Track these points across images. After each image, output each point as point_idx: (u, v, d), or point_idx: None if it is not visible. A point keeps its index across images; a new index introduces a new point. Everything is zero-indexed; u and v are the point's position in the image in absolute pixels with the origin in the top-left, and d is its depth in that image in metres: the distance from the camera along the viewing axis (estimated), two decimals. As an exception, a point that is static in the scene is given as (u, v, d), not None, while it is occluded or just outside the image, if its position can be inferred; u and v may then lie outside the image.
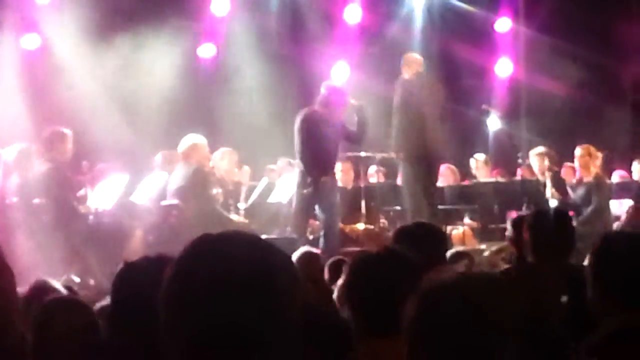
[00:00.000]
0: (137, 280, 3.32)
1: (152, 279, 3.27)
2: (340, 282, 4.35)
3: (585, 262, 3.76)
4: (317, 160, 10.73)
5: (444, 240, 5.20)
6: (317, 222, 11.54)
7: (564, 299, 4.11)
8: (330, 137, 10.78)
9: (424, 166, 11.23)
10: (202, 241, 2.02)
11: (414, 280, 3.34)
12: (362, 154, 11.99)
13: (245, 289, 1.92)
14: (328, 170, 10.94)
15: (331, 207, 10.95)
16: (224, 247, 1.99)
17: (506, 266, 8.52)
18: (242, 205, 11.89)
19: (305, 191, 10.70)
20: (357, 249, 10.90)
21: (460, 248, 8.43)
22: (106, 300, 4.60)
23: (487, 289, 2.55)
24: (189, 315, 1.93)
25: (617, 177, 13.29)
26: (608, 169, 13.15)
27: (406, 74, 11.51)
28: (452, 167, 13.33)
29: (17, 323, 3.17)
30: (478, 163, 13.22)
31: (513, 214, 11.82)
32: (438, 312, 2.48)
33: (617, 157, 13.64)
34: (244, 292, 1.92)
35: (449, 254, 6.98)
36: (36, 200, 10.45)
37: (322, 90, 10.95)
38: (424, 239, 4.80)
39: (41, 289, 4.68)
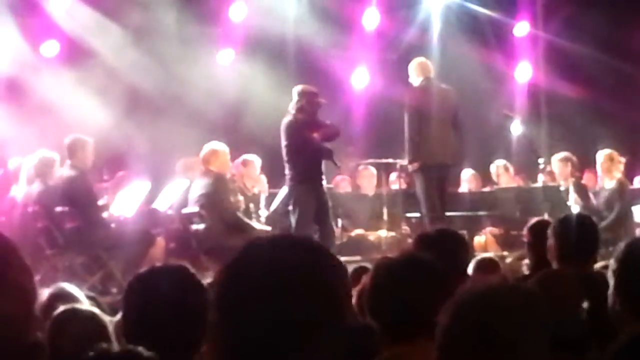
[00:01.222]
0: (147, 292, 3.33)
1: (161, 289, 3.29)
2: (359, 287, 4.34)
3: (608, 269, 3.74)
4: (309, 166, 10.70)
5: (465, 247, 5.18)
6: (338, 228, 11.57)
7: (586, 304, 4.09)
8: (315, 141, 10.73)
9: (435, 173, 11.16)
10: (254, 244, 2.06)
11: (436, 286, 3.35)
12: (384, 160, 11.97)
13: (299, 288, 1.96)
14: (320, 174, 10.91)
15: (328, 212, 10.96)
16: (276, 249, 2.02)
17: (527, 272, 8.52)
18: (263, 213, 11.90)
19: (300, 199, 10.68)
20: (379, 256, 10.93)
21: (487, 254, 8.38)
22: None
23: (521, 299, 2.57)
24: (244, 317, 1.95)
25: (639, 182, 13.20)
26: (630, 175, 13.09)
27: (415, 80, 11.45)
28: (475, 172, 13.30)
29: (35, 323, 3.19)
30: (499, 169, 13.17)
31: (534, 220, 11.78)
32: (472, 321, 2.50)
33: (639, 163, 13.57)
34: (298, 292, 1.95)
35: (474, 260, 6.97)
36: (58, 208, 10.49)
37: (294, 97, 10.87)
38: (445, 246, 4.79)
39: (59, 297, 4.68)
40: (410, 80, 11.46)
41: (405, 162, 11.47)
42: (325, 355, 1.97)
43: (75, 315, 4.04)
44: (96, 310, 4.23)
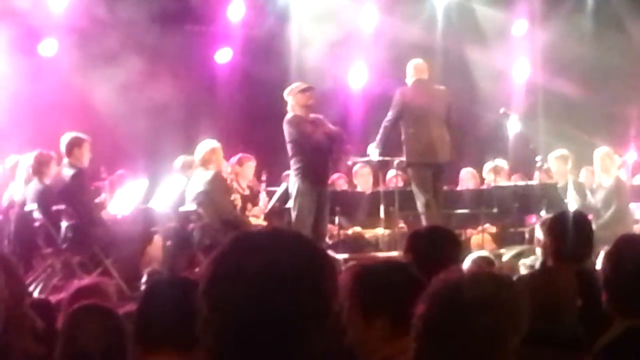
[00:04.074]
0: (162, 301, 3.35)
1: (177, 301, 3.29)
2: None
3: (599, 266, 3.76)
4: (311, 162, 10.76)
5: (458, 244, 5.17)
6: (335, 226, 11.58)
7: (579, 302, 4.09)
8: (318, 137, 10.79)
9: (429, 171, 11.24)
10: (242, 237, 2.06)
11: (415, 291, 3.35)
12: (381, 158, 11.99)
13: (286, 282, 1.96)
14: (322, 172, 10.99)
15: (326, 211, 11.03)
16: (265, 242, 2.02)
17: (526, 270, 8.52)
18: (256, 211, 11.95)
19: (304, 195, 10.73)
20: (376, 253, 10.95)
21: (482, 252, 8.37)
22: (128, 306, 4.63)
23: (496, 287, 2.58)
24: (231, 310, 1.96)
25: (638, 180, 13.19)
26: (631, 173, 13.12)
27: (409, 80, 11.54)
28: (473, 170, 13.32)
29: (27, 326, 3.21)
30: (495, 168, 13.17)
31: (532, 218, 11.81)
32: (448, 310, 2.51)
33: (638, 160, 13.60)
34: (285, 285, 1.96)
35: (469, 258, 6.97)
36: (55, 207, 10.49)
37: (286, 98, 10.95)
38: (438, 243, 4.79)
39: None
40: (406, 80, 11.57)
41: (401, 159, 11.54)
42: (310, 350, 1.98)
43: (92, 310, 4.06)
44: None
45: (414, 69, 11.57)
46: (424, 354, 2.57)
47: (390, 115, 11.36)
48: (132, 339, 3.46)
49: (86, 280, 5.34)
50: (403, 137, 11.34)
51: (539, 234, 6.39)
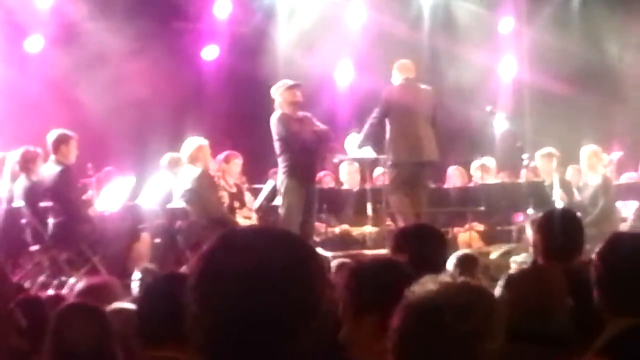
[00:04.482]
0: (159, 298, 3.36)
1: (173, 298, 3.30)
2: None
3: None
4: (298, 160, 10.77)
5: (443, 242, 5.17)
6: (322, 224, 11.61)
7: (570, 300, 4.10)
8: (306, 135, 10.80)
9: (410, 170, 11.25)
10: (230, 234, 2.06)
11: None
12: (367, 157, 12.02)
13: (274, 279, 1.96)
14: (310, 170, 11.01)
15: (313, 208, 11.05)
16: (253, 240, 2.02)
17: (516, 269, 8.53)
18: (246, 212, 11.96)
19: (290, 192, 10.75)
20: (363, 251, 10.96)
21: (466, 250, 8.39)
22: (116, 304, 4.63)
23: (471, 296, 2.59)
24: (219, 306, 1.95)
25: (625, 178, 13.23)
26: (619, 171, 13.17)
27: (396, 80, 11.55)
28: (461, 168, 13.35)
29: (13, 324, 3.21)
30: (483, 166, 13.20)
31: (519, 216, 11.84)
32: (424, 322, 2.53)
33: (623, 158, 13.64)
34: (273, 282, 1.95)
35: (455, 256, 6.98)
36: (42, 204, 10.47)
37: (274, 95, 10.95)
38: (423, 241, 4.79)
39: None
40: (392, 79, 11.57)
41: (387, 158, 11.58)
42: (298, 347, 1.98)
43: (79, 309, 4.06)
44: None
45: (401, 69, 11.59)
46: None
47: (376, 112, 11.38)
48: (134, 335, 3.48)
49: (96, 279, 5.35)
50: (389, 136, 11.36)
51: (529, 233, 6.40)
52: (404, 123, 11.27)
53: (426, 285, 2.65)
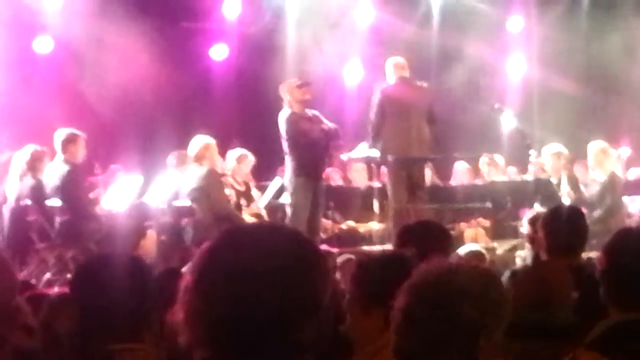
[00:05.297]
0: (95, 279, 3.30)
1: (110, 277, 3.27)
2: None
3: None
4: (306, 159, 10.76)
5: (447, 239, 5.17)
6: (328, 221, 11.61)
7: (575, 295, 4.09)
8: (315, 134, 10.81)
9: (407, 166, 11.22)
10: (233, 231, 2.07)
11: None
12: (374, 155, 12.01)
13: (276, 275, 1.97)
14: (318, 168, 11.00)
15: (320, 207, 11.04)
16: (256, 236, 2.04)
17: (520, 264, 8.54)
18: (254, 208, 11.96)
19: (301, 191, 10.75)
20: (370, 247, 10.97)
21: (470, 245, 8.39)
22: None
23: (478, 279, 2.56)
24: (219, 301, 1.96)
25: (633, 174, 13.20)
26: (626, 167, 13.13)
27: (391, 78, 11.51)
28: (467, 165, 13.35)
29: (20, 321, 3.21)
30: (491, 162, 13.21)
31: (526, 212, 11.82)
32: (431, 303, 2.49)
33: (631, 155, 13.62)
34: (274, 278, 1.96)
35: (461, 252, 6.98)
36: (49, 202, 10.49)
37: (281, 95, 10.95)
38: (427, 238, 4.79)
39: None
40: (387, 78, 11.53)
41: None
42: (299, 343, 1.98)
43: (68, 300, 4.04)
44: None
45: (395, 67, 11.53)
46: (403, 346, 2.55)
47: (374, 113, 11.30)
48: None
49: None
50: (384, 133, 11.30)
51: (525, 229, 6.42)
52: (397, 120, 11.19)
53: (434, 265, 2.62)
